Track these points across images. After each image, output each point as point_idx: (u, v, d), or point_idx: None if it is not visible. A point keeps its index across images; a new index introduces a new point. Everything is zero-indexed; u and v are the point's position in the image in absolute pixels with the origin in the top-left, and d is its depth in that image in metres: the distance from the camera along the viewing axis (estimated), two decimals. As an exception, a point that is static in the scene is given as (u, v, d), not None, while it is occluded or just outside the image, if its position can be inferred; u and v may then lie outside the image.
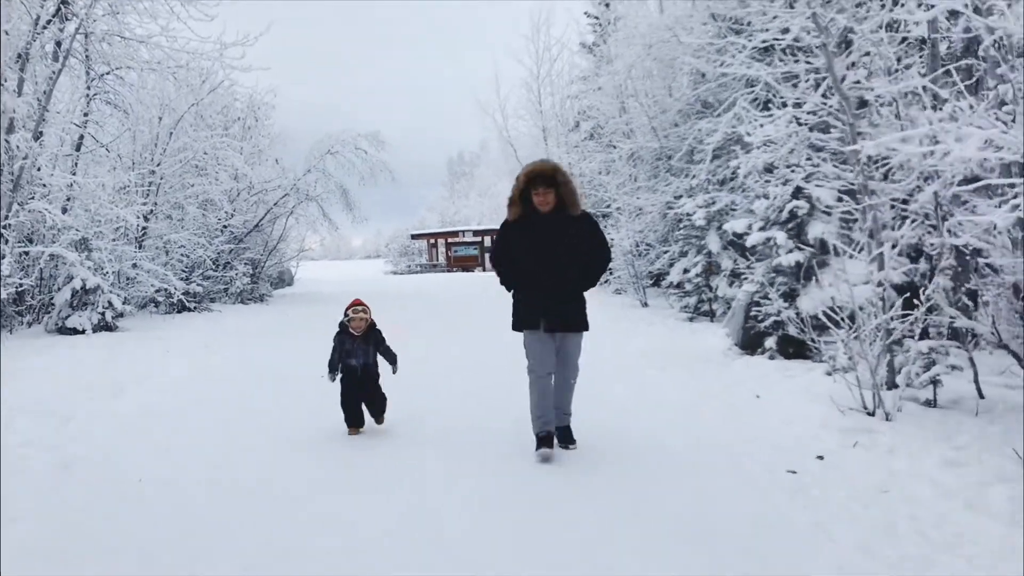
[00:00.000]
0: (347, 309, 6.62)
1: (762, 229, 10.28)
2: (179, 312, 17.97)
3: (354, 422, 6.59)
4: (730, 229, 11.07)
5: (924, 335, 7.77)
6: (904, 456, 5.47)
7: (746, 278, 11.05)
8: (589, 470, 5.47)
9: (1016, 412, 6.44)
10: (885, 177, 8.00)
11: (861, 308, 6.79)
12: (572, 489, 5.06)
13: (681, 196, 17.10)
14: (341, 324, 6.64)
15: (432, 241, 59.33)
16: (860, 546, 4.06)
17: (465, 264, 53.82)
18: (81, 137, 16.73)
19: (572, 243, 5.79)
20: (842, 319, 7.15)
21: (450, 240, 56.80)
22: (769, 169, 10.54)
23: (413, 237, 61.57)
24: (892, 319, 6.76)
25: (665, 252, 18.50)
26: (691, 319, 15.17)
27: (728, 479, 5.22)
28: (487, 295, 22.90)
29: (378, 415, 6.70)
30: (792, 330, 8.68)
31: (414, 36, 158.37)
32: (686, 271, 15.67)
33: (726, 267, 14.51)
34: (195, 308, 18.49)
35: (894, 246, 7.38)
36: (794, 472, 5.32)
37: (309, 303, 22.83)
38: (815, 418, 6.52)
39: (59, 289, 14.41)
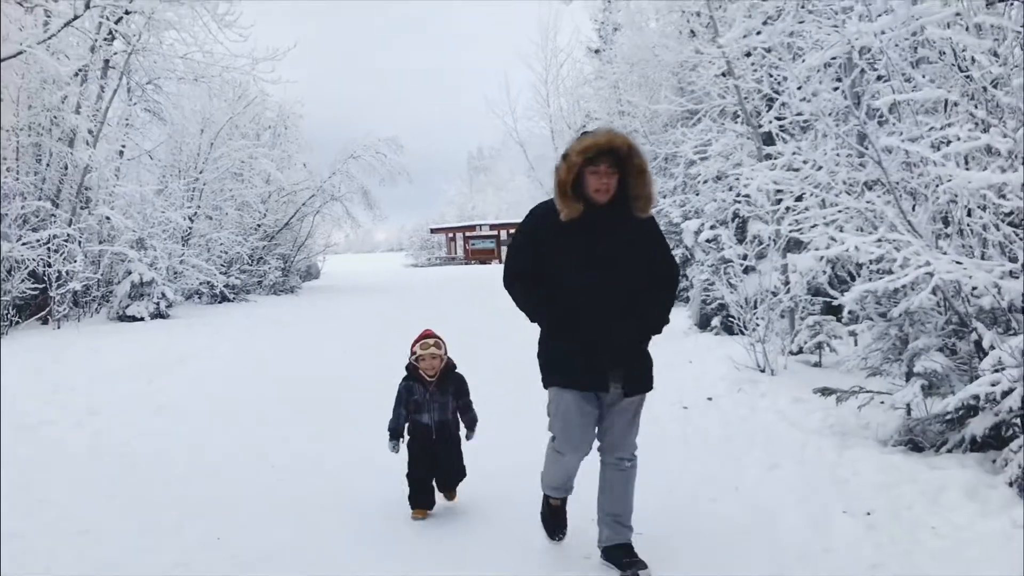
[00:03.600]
0: (413, 344, 4.88)
1: (712, 228, 12.29)
2: (220, 302, 20.23)
3: (421, 502, 4.82)
4: (686, 228, 13.09)
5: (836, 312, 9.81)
6: (770, 398, 7.51)
7: (696, 266, 13.09)
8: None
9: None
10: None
11: (754, 296, 8.81)
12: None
13: (666, 196, 19.09)
14: (407, 367, 4.90)
15: (450, 235, 61.45)
16: (701, 442, 6.16)
17: (482, 257, 55.89)
18: (123, 146, 18.92)
19: (638, 257, 3.89)
20: (752, 302, 9.21)
21: (467, 234, 58.91)
22: (719, 178, 12.57)
23: (432, 231, 63.70)
24: (781, 300, 8.79)
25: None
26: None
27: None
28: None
29: (450, 487, 4.98)
30: (733, 311, 10.71)
31: (432, 35, 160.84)
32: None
33: (700, 259, 16.53)
34: (233, 299, 20.74)
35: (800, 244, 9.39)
36: (686, 408, 7.39)
37: (335, 293, 25.08)
38: (720, 374, 8.57)
39: (119, 282, 16.64)
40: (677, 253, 17.36)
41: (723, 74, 9.38)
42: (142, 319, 16.03)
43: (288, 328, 15.35)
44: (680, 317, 14.08)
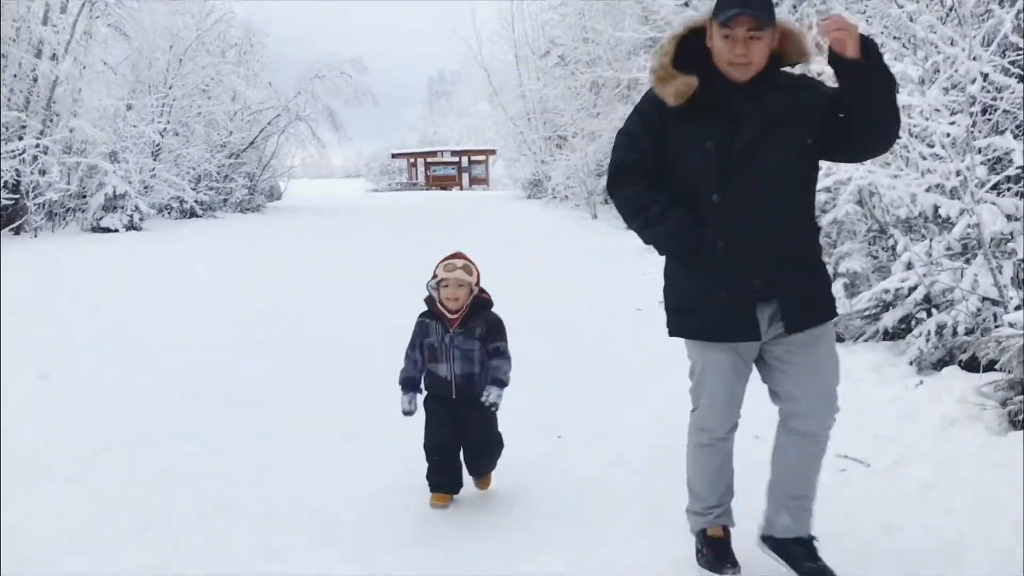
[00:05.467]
0: (437, 266, 3.70)
1: (669, 151, 13.09)
2: (189, 218, 20.68)
3: (444, 485, 3.74)
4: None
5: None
6: (715, 301, 8.37)
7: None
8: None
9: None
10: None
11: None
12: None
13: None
14: (425, 299, 3.77)
15: (412, 160, 61.48)
16: (650, 333, 6.92)
17: (443, 183, 56.11)
18: (85, 63, 19.02)
19: (801, 140, 2.75)
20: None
21: (429, 160, 59.01)
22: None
23: (393, 156, 63.64)
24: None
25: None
26: (628, 228, 17.99)
27: (589, 315, 8.13)
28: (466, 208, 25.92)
29: (482, 468, 3.81)
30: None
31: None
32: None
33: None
34: (202, 215, 21.22)
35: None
36: (639, 309, 8.24)
37: (301, 213, 25.53)
38: (671, 282, 9.42)
39: (92, 195, 17.02)
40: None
41: (684, 4, 10.03)
42: (116, 231, 16.49)
43: (266, 242, 15.94)
44: (637, 238, 14.95)
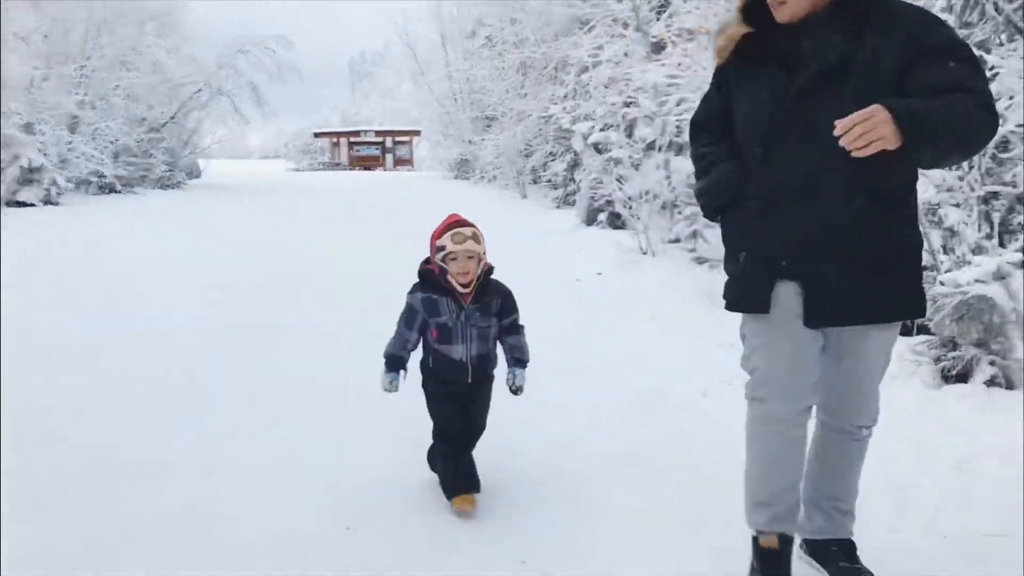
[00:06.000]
0: (436, 234, 3.24)
1: (602, 130, 13.20)
2: (108, 193, 20.06)
3: (465, 484, 3.18)
4: (578, 130, 13.97)
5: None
6: (649, 273, 8.57)
7: (584, 169, 14.07)
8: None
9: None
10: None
11: (639, 192, 9.82)
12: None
13: (557, 103, 19.88)
14: (422, 272, 3.29)
15: (335, 140, 60.72)
16: (593, 303, 7.12)
17: (367, 164, 55.60)
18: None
19: (868, 89, 2.23)
20: (638, 194, 10.20)
21: (352, 140, 58.39)
22: (607, 85, 13.41)
23: (316, 135, 62.74)
24: (660, 195, 9.83)
25: (549, 153, 21.40)
26: (558, 207, 18.14)
27: (536, 283, 8.19)
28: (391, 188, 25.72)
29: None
30: (618, 207, 11.68)
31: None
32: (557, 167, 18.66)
33: (587, 163, 17.46)
34: (122, 190, 20.60)
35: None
36: (579, 280, 8.38)
37: (223, 191, 24.97)
38: (607, 256, 9.56)
39: (6, 167, 16.36)
40: (566, 158, 18.32)
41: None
42: (33, 205, 15.91)
43: (193, 219, 15.59)
44: (567, 216, 15.08)
